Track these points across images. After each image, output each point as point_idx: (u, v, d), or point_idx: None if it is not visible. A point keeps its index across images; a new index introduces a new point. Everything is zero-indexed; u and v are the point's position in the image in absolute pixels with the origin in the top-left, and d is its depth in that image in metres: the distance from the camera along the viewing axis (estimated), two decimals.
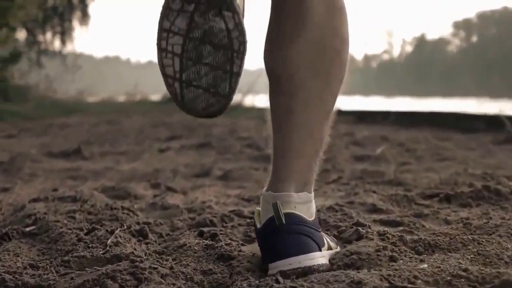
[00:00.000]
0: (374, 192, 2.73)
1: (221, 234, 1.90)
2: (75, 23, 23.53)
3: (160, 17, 1.35)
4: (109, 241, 1.74)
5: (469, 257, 1.62)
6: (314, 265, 1.52)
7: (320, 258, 1.55)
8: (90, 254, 1.64)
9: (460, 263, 1.55)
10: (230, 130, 7.14)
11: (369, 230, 1.81)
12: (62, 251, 1.72)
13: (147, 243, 1.84)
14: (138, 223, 2.05)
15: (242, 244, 1.82)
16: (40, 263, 1.63)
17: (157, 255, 1.70)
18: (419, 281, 1.39)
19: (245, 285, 1.42)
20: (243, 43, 1.37)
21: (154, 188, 3.08)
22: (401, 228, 1.99)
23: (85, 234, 1.83)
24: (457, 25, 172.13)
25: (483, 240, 1.73)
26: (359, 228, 1.82)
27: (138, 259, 1.53)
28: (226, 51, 1.35)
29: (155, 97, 21.84)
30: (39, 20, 20.40)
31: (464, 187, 2.87)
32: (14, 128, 8.38)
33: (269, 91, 1.67)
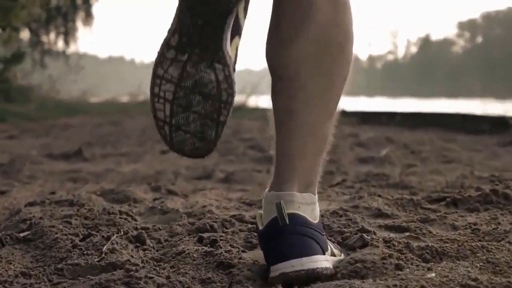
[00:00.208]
0: (379, 196, 2.67)
1: (221, 240, 1.83)
2: (79, 24, 23.51)
3: (155, 63, 1.41)
4: (104, 247, 1.68)
5: (478, 265, 1.56)
6: (317, 268, 1.46)
7: (324, 261, 1.49)
8: (85, 261, 1.58)
9: (469, 271, 1.49)
10: (233, 131, 7.08)
11: (374, 237, 1.75)
12: (56, 258, 1.66)
13: (144, 250, 1.78)
14: (136, 228, 1.99)
15: (243, 251, 1.76)
16: (33, 271, 1.57)
17: (155, 263, 1.64)
18: None
19: None
20: (231, 95, 1.43)
21: (154, 191, 3.02)
22: (407, 234, 1.92)
23: (80, 240, 1.77)
24: (462, 26, 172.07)
25: (493, 247, 1.67)
26: (364, 234, 1.76)
27: (134, 268, 1.48)
28: (215, 101, 1.41)
29: None
30: (42, 20, 20.36)
31: (471, 190, 2.80)
32: (15, 129, 8.34)
33: (271, 90, 1.65)
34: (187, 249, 1.69)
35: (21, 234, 1.90)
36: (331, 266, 1.50)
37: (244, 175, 3.79)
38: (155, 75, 1.43)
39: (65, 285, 1.43)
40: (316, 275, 1.45)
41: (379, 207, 2.35)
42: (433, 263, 1.61)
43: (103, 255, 1.63)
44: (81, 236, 1.82)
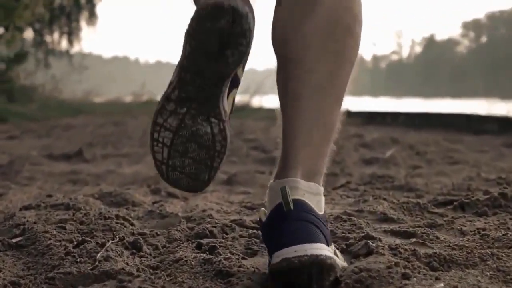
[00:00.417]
0: (385, 199, 2.60)
1: (220, 246, 1.76)
2: (83, 23, 23.48)
3: (155, 112, 1.51)
4: (98, 255, 1.60)
5: (488, 274, 1.50)
6: (321, 255, 1.38)
7: (328, 252, 1.41)
8: (77, 270, 1.52)
9: (479, 281, 1.43)
10: (236, 131, 7.02)
11: (380, 244, 1.68)
12: (48, 266, 1.59)
13: (140, 257, 1.70)
14: (133, 234, 1.92)
15: (243, 258, 1.69)
16: (23, 280, 1.50)
17: (151, 271, 1.57)
18: None
19: None
20: (224, 145, 1.51)
21: (154, 194, 2.96)
22: (414, 239, 1.85)
23: (74, 247, 1.70)
24: (466, 26, 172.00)
25: (503, 255, 1.60)
26: (368, 241, 1.68)
27: (127, 278, 1.41)
28: (209, 150, 1.50)
29: None
30: (45, 20, 20.34)
31: (478, 193, 2.73)
32: (17, 129, 8.29)
33: (276, 73, 1.62)
34: (185, 256, 1.62)
35: (14, 240, 1.83)
36: (336, 258, 1.43)
37: (246, 177, 3.73)
38: (155, 123, 1.51)
39: None
40: (319, 262, 1.37)
41: (385, 211, 2.28)
42: (441, 271, 1.54)
43: (97, 263, 1.55)
44: (75, 243, 1.75)
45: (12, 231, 1.95)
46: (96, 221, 2.02)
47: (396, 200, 2.58)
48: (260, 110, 13.29)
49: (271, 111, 12.72)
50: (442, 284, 1.39)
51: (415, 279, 1.43)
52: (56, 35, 22.99)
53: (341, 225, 2.02)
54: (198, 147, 1.50)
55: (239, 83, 1.59)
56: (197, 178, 1.53)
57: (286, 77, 1.59)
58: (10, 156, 4.76)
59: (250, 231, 1.97)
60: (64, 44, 23.00)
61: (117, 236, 1.82)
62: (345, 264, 1.55)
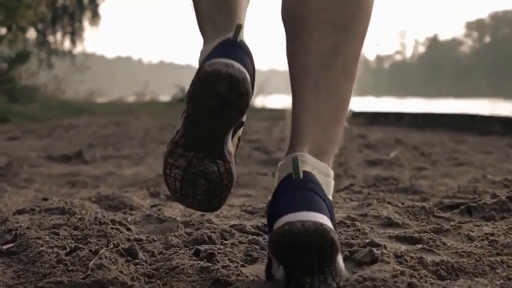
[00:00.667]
0: (389, 203, 2.53)
1: (219, 253, 1.69)
2: (86, 23, 23.47)
3: (166, 153, 1.58)
4: (91, 263, 1.53)
5: (498, 283, 1.43)
6: (326, 225, 1.31)
7: (334, 232, 1.33)
8: (68, 279, 1.45)
9: None
10: None
11: (385, 251, 1.61)
12: (39, 274, 1.52)
13: (136, 264, 1.63)
14: (128, 240, 1.85)
15: (242, 265, 1.62)
16: None
17: (146, 279, 1.51)
18: None
19: None
20: (231, 180, 1.58)
21: (153, 197, 2.89)
22: (420, 246, 1.78)
23: (66, 254, 1.63)
24: (470, 26, 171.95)
25: None
26: (373, 249, 1.61)
27: None
28: (217, 184, 1.58)
29: (165, 97, 21.74)
30: (47, 19, 20.31)
31: (485, 196, 2.67)
32: (18, 130, 8.23)
33: (286, 49, 1.61)
34: (182, 264, 1.56)
35: (5, 247, 1.76)
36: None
37: (248, 179, 3.67)
38: (166, 162, 1.58)
39: None
40: (323, 232, 1.30)
41: (389, 215, 2.21)
42: (449, 280, 1.48)
43: (89, 272, 1.48)
44: (68, 249, 1.68)
45: (4, 237, 1.88)
46: (91, 226, 1.95)
47: (401, 203, 2.52)
48: (263, 110, 13.23)
49: (274, 111, 12.69)
50: None
51: None
52: (59, 35, 22.98)
53: (344, 230, 1.95)
54: (207, 182, 1.58)
55: (243, 124, 1.67)
56: (209, 204, 1.62)
57: (294, 50, 1.58)
58: (9, 158, 4.70)
59: (250, 237, 1.90)
60: (67, 44, 22.99)
61: (111, 243, 1.75)
62: (348, 274, 1.48)
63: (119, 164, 4.63)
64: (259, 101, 16.41)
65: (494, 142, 6.58)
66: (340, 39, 1.53)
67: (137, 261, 1.66)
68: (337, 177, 3.60)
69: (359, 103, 13.14)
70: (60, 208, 2.34)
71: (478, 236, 1.92)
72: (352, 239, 1.86)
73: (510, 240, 1.78)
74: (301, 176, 1.42)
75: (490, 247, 1.76)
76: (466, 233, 1.96)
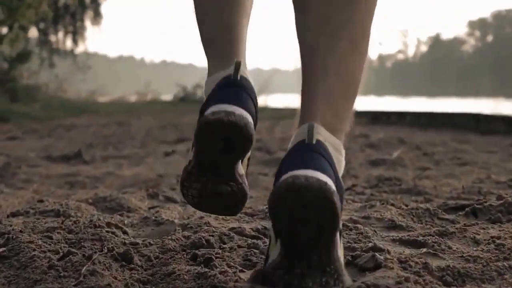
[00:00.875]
0: (392, 204, 2.48)
1: (217, 258, 1.64)
2: (87, 23, 23.45)
3: (182, 178, 1.67)
4: (84, 269, 1.48)
5: None
6: (329, 185, 1.27)
7: (337, 196, 1.29)
8: (60, 286, 1.39)
9: None
10: None
11: (388, 256, 1.55)
12: (30, 280, 1.47)
13: (131, 269, 1.58)
14: (124, 244, 1.80)
15: (241, 271, 1.57)
16: None
17: (141, 285, 1.46)
18: None
19: None
20: (245, 196, 1.66)
21: (151, 198, 2.82)
22: (424, 249, 1.72)
23: (58, 260, 1.57)
24: (472, 25, 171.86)
25: None
26: (376, 254, 1.55)
27: None
28: (232, 201, 1.65)
29: (167, 96, 21.71)
30: (49, 19, 20.28)
31: (491, 197, 2.61)
32: (19, 130, 8.19)
33: (296, 28, 1.58)
34: (178, 270, 1.50)
35: None
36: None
37: (249, 179, 3.57)
38: (182, 185, 1.67)
39: None
40: (326, 192, 1.26)
41: (393, 218, 2.15)
42: (455, 287, 1.43)
43: (81, 278, 1.43)
44: (61, 254, 1.63)
45: None
46: (86, 229, 1.89)
47: (404, 205, 2.46)
48: (265, 109, 13.17)
49: (276, 110, 12.63)
50: None
51: None
52: (60, 34, 22.95)
53: (346, 234, 1.90)
54: (222, 199, 1.65)
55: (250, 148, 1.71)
56: (227, 213, 1.74)
57: (301, 25, 1.56)
58: (8, 158, 4.65)
59: (250, 240, 1.84)
60: (68, 43, 22.97)
61: (105, 247, 1.70)
62: (350, 281, 1.42)
63: (119, 164, 4.57)
64: (261, 100, 16.36)
65: (497, 142, 6.52)
66: (348, 14, 1.50)
67: (132, 266, 1.60)
68: None
69: (361, 103, 13.10)
70: (55, 210, 2.28)
71: (484, 240, 1.87)
72: (355, 242, 1.80)
73: None
74: (314, 142, 1.39)
75: (497, 251, 1.70)
76: (472, 236, 1.91)
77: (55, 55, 21.86)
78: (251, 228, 2.01)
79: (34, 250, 1.65)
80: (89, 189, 3.36)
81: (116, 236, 1.87)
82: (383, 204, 2.49)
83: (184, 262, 1.63)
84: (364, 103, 14.49)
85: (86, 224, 1.96)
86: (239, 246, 1.78)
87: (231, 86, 1.63)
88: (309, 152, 1.38)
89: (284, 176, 1.31)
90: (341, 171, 1.46)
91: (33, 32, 20.03)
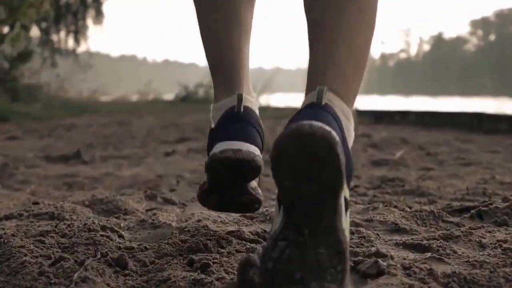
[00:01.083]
0: (396, 206, 2.42)
1: (214, 263, 1.58)
2: (89, 22, 23.40)
3: (198, 193, 1.87)
4: (75, 275, 1.42)
5: None
6: (335, 136, 1.20)
7: (341, 148, 1.22)
8: None
9: None
10: None
11: (392, 263, 1.50)
12: (20, 287, 1.41)
13: (125, 275, 1.52)
14: (119, 248, 1.74)
15: None
16: None
17: None
18: None
19: None
20: (259, 203, 1.84)
21: (149, 200, 2.77)
22: (429, 254, 1.67)
23: (50, 266, 1.52)
24: (475, 24, 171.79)
25: None
26: (379, 260, 1.49)
27: None
28: (247, 208, 1.85)
29: (169, 96, 21.67)
30: (50, 18, 20.24)
31: (496, 198, 2.56)
32: (19, 129, 8.14)
33: (303, 4, 1.58)
34: (174, 276, 1.45)
35: None
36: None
37: None
38: (200, 197, 1.87)
39: None
40: (330, 140, 1.18)
41: (396, 220, 2.09)
42: None
43: (73, 285, 1.37)
44: (53, 260, 1.57)
45: None
46: (79, 233, 1.84)
47: (408, 207, 2.40)
48: (267, 109, 13.10)
49: (278, 110, 12.56)
50: None
51: None
52: (62, 33, 22.90)
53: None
54: (238, 207, 1.83)
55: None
56: (245, 212, 1.94)
57: (310, 5, 1.55)
58: (6, 158, 4.60)
59: (248, 245, 1.79)
60: (70, 43, 22.92)
61: (99, 252, 1.64)
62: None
63: (119, 164, 4.52)
64: (263, 99, 16.30)
65: (501, 141, 6.46)
66: None
67: (127, 272, 1.55)
68: None
69: (364, 102, 13.03)
70: (49, 213, 2.22)
71: (491, 243, 1.81)
72: (357, 247, 1.74)
73: None
74: (323, 103, 1.36)
75: (504, 256, 1.65)
76: (477, 240, 1.85)
77: (57, 55, 21.80)
78: (250, 232, 1.95)
79: (26, 255, 1.60)
80: (87, 190, 3.30)
81: (111, 240, 1.81)
82: (386, 206, 2.43)
83: (180, 267, 1.57)
84: (367, 102, 14.43)
85: (80, 228, 1.90)
86: (237, 251, 1.72)
87: (236, 120, 1.76)
88: (317, 110, 1.35)
89: (288, 125, 1.27)
90: (350, 140, 1.43)
91: (34, 32, 20.00)
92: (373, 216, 2.17)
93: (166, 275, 1.47)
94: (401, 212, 2.27)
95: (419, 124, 9.14)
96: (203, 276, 1.45)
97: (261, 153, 1.82)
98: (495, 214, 2.18)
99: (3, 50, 13.98)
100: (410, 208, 2.38)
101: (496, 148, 5.74)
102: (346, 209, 1.28)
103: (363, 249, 1.71)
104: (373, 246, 1.73)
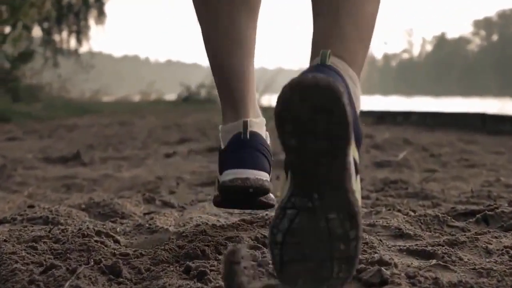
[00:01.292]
0: (399, 210, 2.37)
1: (211, 270, 1.52)
2: (91, 22, 23.37)
3: (213, 200, 2.05)
4: (66, 284, 1.37)
5: None
6: (340, 85, 1.16)
7: (347, 100, 1.19)
8: None
9: None
10: None
11: (395, 271, 1.44)
12: None
13: (119, 283, 1.47)
14: (114, 254, 1.68)
15: None
16: None
17: None
18: None
19: None
20: (272, 206, 1.97)
21: (147, 203, 2.71)
22: (434, 261, 1.61)
23: (40, 274, 1.46)
24: (478, 24, 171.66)
25: None
26: (382, 268, 1.44)
27: None
28: (265, 208, 2.00)
29: (171, 96, 21.63)
30: (52, 18, 20.20)
31: (501, 202, 2.50)
32: (19, 130, 8.09)
33: None
34: (169, 284, 1.39)
35: None
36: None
37: None
38: (216, 205, 2.06)
39: None
40: (335, 88, 1.14)
41: (400, 225, 2.03)
42: None
43: None
44: (44, 267, 1.51)
45: None
46: (73, 239, 1.78)
47: (412, 211, 2.35)
48: (269, 109, 13.08)
49: None
50: None
51: None
52: (64, 33, 22.86)
53: None
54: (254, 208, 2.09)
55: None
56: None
57: None
58: (4, 159, 4.55)
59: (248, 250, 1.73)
60: (72, 43, 22.90)
61: (92, 259, 1.58)
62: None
63: (118, 166, 4.46)
64: (265, 100, 16.25)
65: (505, 142, 6.39)
66: None
67: (121, 280, 1.49)
68: None
69: (366, 102, 12.97)
70: (43, 217, 2.17)
71: (497, 250, 1.75)
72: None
73: None
74: (327, 63, 1.32)
75: (511, 263, 1.59)
76: (484, 246, 1.79)
77: (58, 55, 21.76)
78: (250, 237, 1.89)
79: (17, 262, 1.54)
80: (85, 193, 3.25)
81: (106, 246, 1.76)
82: (389, 210, 2.38)
83: (176, 275, 1.52)
84: (369, 102, 14.38)
85: (75, 233, 1.85)
86: None
87: (243, 147, 1.81)
88: (321, 67, 1.31)
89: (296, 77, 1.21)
90: (358, 105, 1.40)
91: (36, 32, 19.96)
92: (376, 221, 2.11)
93: (161, 283, 1.41)
94: (405, 216, 2.21)
95: (421, 124, 9.08)
96: (199, 284, 1.40)
97: (270, 174, 1.86)
98: (501, 218, 2.12)
99: (5, 50, 13.94)
100: (414, 212, 2.32)
101: (500, 149, 5.68)
102: (357, 173, 1.25)
103: (366, 255, 1.65)
104: (376, 252, 1.68)
